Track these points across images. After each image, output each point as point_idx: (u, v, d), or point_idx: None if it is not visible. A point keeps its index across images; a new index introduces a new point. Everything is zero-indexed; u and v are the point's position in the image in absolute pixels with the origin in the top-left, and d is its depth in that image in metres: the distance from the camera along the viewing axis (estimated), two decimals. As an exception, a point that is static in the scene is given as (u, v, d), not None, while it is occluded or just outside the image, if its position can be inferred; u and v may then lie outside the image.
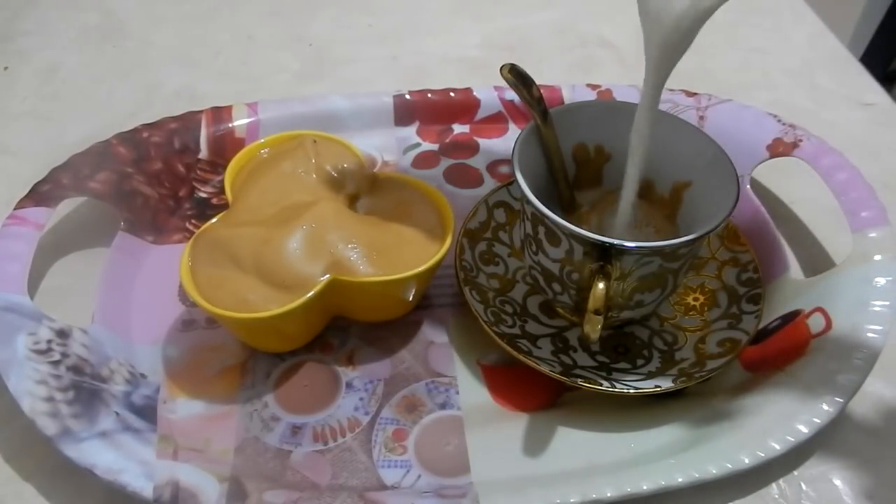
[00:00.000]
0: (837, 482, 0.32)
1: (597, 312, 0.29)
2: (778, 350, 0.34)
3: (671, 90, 0.45)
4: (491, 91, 0.47)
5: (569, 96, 0.46)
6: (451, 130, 0.47)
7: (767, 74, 0.54)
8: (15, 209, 0.36)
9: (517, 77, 0.33)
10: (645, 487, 0.29)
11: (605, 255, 0.30)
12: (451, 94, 0.47)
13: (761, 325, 0.35)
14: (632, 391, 0.32)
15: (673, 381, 0.33)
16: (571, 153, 0.37)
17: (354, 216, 0.35)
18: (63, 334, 0.33)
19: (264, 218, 0.34)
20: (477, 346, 0.36)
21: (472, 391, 0.34)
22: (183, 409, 0.33)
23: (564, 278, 0.33)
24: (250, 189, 0.36)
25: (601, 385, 0.32)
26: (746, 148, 0.41)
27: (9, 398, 0.30)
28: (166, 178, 0.41)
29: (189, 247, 0.34)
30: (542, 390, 0.34)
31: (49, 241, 0.39)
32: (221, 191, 0.42)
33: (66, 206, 0.40)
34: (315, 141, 0.38)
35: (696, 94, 0.45)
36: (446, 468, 0.32)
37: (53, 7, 0.59)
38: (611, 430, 0.33)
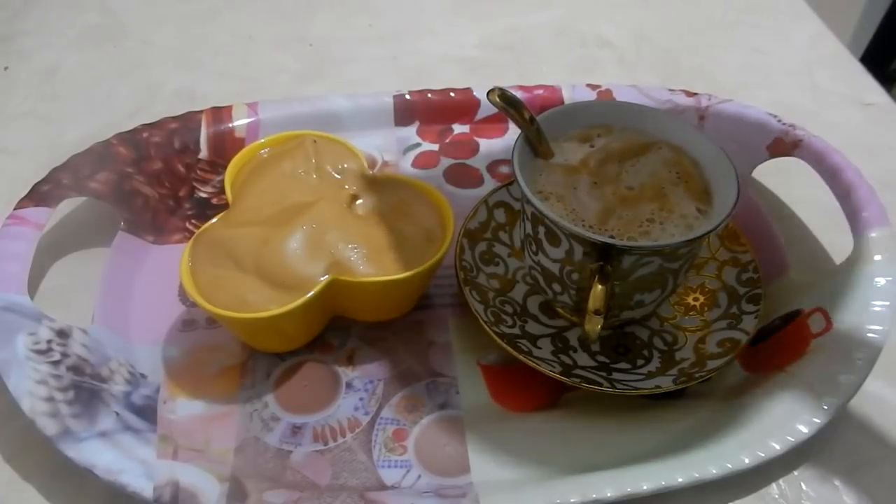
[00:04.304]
0: (837, 482, 0.32)
1: (597, 312, 0.29)
2: (778, 350, 0.34)
3: (671, 90, 0.45)
4: (491, 91, 0.47)
5: (569, 96, 0.46)
6: (451, 130, 0.47)
7: (767, 74, 0.54)
8: (15, 209, 0.36)
9: (506, 101, 0.33)
10: (645, 487, 0.29)
11: (604, 255, 0.30)
12: (451, 94, 0.46)
13: (761, 325, 0.35)
14: (632, 391, 0.32)
15: (673, 381, 0.33)
16: (571, 153, 0.37)
17: (354, 216, 0.35)
18: (63, 334, 0.33)
19: (264, 218, 0.34)
20: (477, 346, 0.36)
21: (472, 391, 0.34)
22: (183, 409, 0.33)
23: (564, 278, 0.33)
24: (250, 189, 0.36)
25: (601, 385, 0.32)
26: (746, 148, 0.41)
27: (9, 398, 0.30)
28: (166, 178, 0.41)
29: (189, 247, 0.34)
30: (542, 390, 0.34)
31: (49, 241, 0.39)
32: (221, 191, 0.42)
33: (66, 206, 0.40)
34: (315, 141, 0.38)
35: (696, 94, 0.45)
36: (446, 468, 0.32)
37: (53, 7, 0.59)
38: (611, 430, 0.33)
